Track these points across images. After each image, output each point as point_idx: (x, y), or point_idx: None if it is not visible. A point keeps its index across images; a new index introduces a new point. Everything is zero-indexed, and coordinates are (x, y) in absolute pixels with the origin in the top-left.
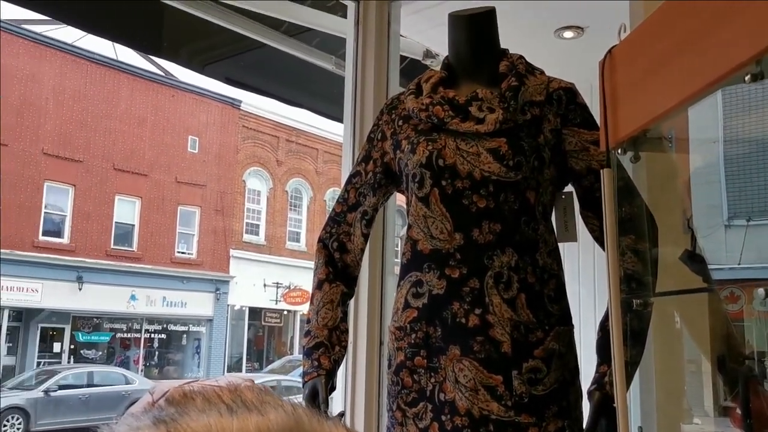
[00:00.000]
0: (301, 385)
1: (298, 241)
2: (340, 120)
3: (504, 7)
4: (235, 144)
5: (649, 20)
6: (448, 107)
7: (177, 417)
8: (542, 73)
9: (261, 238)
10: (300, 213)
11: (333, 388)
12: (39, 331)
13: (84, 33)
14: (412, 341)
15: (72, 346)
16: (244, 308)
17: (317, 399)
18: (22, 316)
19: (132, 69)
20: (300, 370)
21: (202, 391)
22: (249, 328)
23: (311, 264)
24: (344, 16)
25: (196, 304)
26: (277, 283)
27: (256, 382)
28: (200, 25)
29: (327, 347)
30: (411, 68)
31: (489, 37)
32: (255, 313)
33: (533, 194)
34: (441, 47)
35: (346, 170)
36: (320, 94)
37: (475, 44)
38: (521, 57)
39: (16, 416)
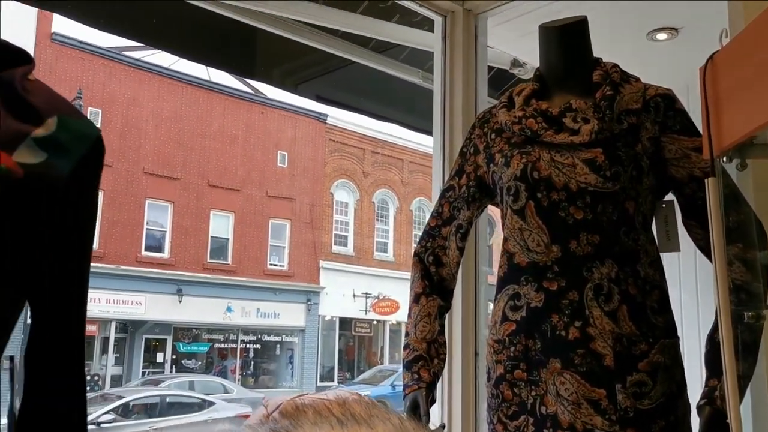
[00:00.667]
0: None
1: (385, 251)
2: (428, 132)
3: (594, 12)
4: (322, 157)
5: (754, 23)
6: (541, 119)
7: (291, 429)
8: (638, 80)
9: (350, 249)
10: (387, 223)
11: (433, 401)
12: (143, 342)
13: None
14: (511, 354)
15: (174, 356)
16: (334, 318)
17: (418, 411)
18: (127, 328)
19: (224, 89)
20: (390, 380)
21: (313, 405)
22: (340, 338)
23: (399, 274)
24: (431, 30)
25: (289, 314)
26: (366, 294)
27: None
28: (292, 47)
29: (426, 360)
30: (498, 78)
31: (581, 48)
32: (345, 323)
33: (632, 204)
34: (528, 56)
35: (437, 183)
36: (408, 107)
37: (567, 55)
38: (615, 65)
39: None
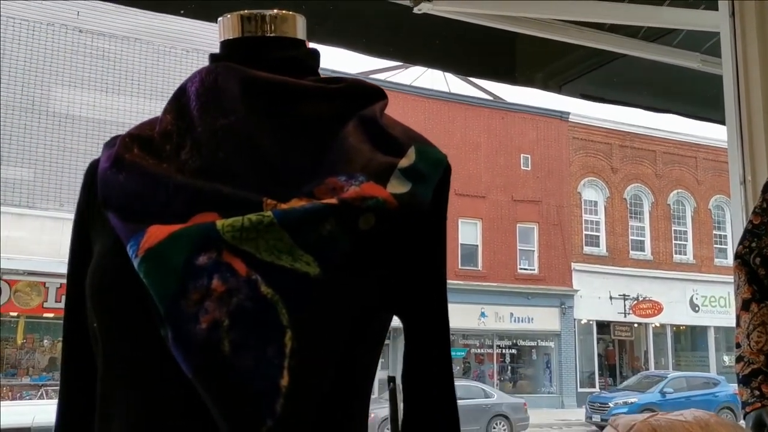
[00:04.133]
0: None
1: (642, 250)
2: (713, 120)
3: None
4: (566, 156)
5: None
6: None
7: None
8: None
9: (602, 250)
10: (641, 220)
11: None
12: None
13: (423, 71)
14: None
15: None
16: (591, 322)
17: (765, 431)
18: (390, 334)
19: (464, 98)
20: (659, 386)
21: (670, 427)
22: (598, 342)
23: (659, 273)
24: (709, 8)
25: (543, 319)
26: (624, 295)
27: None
28: (554, 48)
29: (766, 375)
30: None
31: None
32: (603, 326)
33: None
34: None
35: (735, 174)
36: (687, 95)
37: None
38: None
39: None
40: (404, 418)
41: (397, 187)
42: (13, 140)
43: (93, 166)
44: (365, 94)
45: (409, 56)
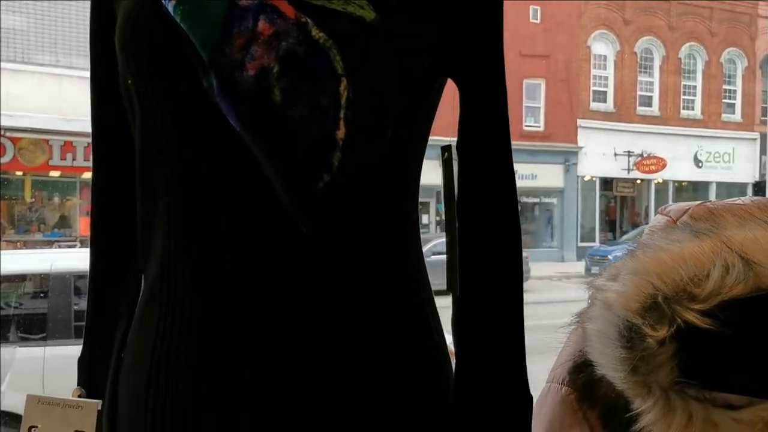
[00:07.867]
0: None
1: (650, 105)
2: None
3: None
4: (577, 8)
5: None
6: None
7: (715, 230)
8: None
9: (609, 106)
10: (651, 75)
11: None
12: None
13: None
14: None
15: (437, 218)
16: (594, 179)
17: None
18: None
19: None
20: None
21: (728, 209)
22: (600, 199)
23: (666, 129)
24: None
25: (546, 176)
26: (629, 152)
27: None
28: None
29: None
30: None
31: None
32: (606, 183)
33: None
34: None
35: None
36: None
37: None
38: None
39: None
40: (459, 186)
41: None
42: None
43: None
44: None
45: None
